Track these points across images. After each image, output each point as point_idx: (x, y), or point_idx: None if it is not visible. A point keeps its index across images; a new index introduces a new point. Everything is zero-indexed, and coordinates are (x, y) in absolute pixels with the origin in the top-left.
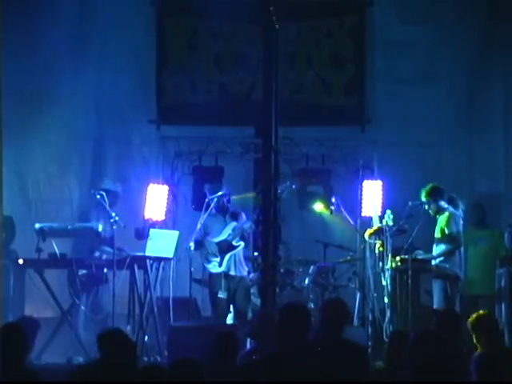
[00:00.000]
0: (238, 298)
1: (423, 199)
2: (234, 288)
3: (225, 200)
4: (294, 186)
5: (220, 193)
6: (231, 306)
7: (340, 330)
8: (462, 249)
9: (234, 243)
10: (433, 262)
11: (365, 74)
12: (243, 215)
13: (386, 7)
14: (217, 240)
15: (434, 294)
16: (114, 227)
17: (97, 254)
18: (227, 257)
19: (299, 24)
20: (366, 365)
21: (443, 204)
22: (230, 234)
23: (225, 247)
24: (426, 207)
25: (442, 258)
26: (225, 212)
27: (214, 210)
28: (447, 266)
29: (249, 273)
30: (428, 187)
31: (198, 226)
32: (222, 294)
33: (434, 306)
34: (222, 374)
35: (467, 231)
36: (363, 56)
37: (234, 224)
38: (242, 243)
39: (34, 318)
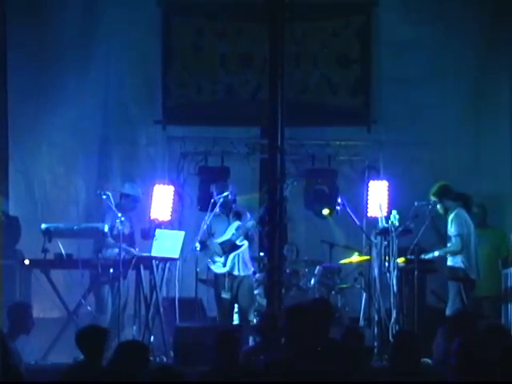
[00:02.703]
0: (241, 297)
1: (431, 198)
2: (236, 287)
3: (230, 199)
4: (295, 183)
5: (226, 193)
6: (236, 306)
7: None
8: (473, 249)
9: (237, 243)
10: (449, 263)
11: (371, 74)
12: (248, 214)
13: (391, 7)
14: (221, 240)
15: (449, 296)
16: (120, 227)
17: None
18: (231, 257)
19: (305, 24)
20: (354, 364)
21: (449, 204)
22: (233, 234)
23: (228, 247)
24: (432, 207)
25: (456, 259)
26: (229, 211)
27: (218, 210)
28: (461, 267)
29: (254, 273)
30: (435, 186)
31: (204, 226)
32: (225, 295)
33: (447, 310)
34: (225, 372)
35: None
36: (369, 56)
37: (237, 223)
38: (245, 242)
39: (23, 301)
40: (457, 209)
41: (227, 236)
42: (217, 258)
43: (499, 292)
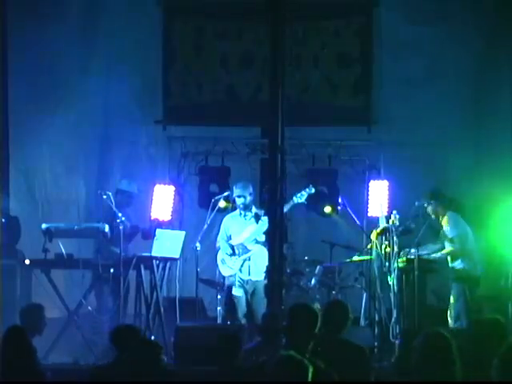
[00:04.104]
0: (255, 300)
1: (425, 201)
2: (248, 291)
3: (251, 200)
4: (313, 190)
5: (226, 193)
6: (246, 307)
7: (340, 331)
8: (472, 246)
9: (248, 246)
10: (450, 265)
11: (371, 75)
12: (266, 217)
13: (392, 7)
14: (234, 243)
15: (452, 297)
16: (121, 227)
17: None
18: (240, 260)
19: (305, 24)
20: (366, 365)
21: (440, 208)
22: (247, 238)
23: (239, 250)
24: (426, 209)
25: (457, 261)
26: (245, 213)
27: (238, 212)
28: (465, 267)
29: None
30: (430, 190)
31: (205, 226)
32: (236, 292)
33: (453, 311)
34: (226, 373)
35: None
36: (370, 56)
37: (254, 226)
38: (256, 247)
39: (36, 303)
40: (448, 212)
41: (242, 238)
42: (227, 260)
43: (500, 291)
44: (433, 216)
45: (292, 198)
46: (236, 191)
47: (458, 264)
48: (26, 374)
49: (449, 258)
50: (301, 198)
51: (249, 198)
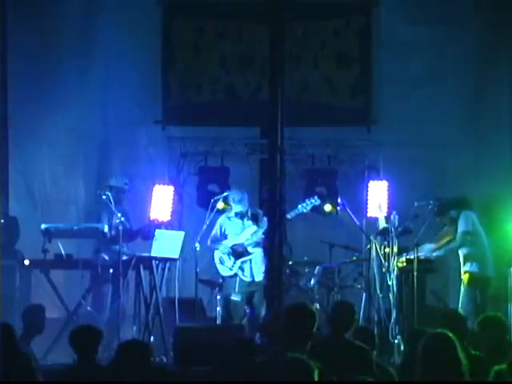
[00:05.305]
0: (257, 302)
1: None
2: (250, 291)
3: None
4: (319, 202)
5: (225, 194)
6: (247, 308)
7: (346, 332)
8: (483, 246)
9: (249, 249)
10: (464, 268)
11: (371, 75)
12: (264, 217)
13: (392, 7)
14: (233, 243)
15: (462, 299)
16: (120, 227)
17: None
18: (239, 261)
19: (305, 24)
20: (369, 365)
21: (453, 213)
22: (247, 239)
23: (238, 251)
24: (431, 207)
25: (469, 264)
26: (243, 216)
27: (234, 215)
28: (476, 270)
29: None
30: (438, 206)
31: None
32: (235, 297)
33: (463, 313)
34: (226, 373)
35: None
36: (369, 56)
37: (254, 228)
38: (257, 250)
39: (38, 304)
40: (463, 211)
41: (241, 240)
42: (226, 260)
43: (503, 291)
44: (450, 224)
45: (297, 207)
46: (236, 207)
47: (470, 267)
48: (17, 373)
49: (461, 261)
50: (306, 207)
51: (241, 208)
